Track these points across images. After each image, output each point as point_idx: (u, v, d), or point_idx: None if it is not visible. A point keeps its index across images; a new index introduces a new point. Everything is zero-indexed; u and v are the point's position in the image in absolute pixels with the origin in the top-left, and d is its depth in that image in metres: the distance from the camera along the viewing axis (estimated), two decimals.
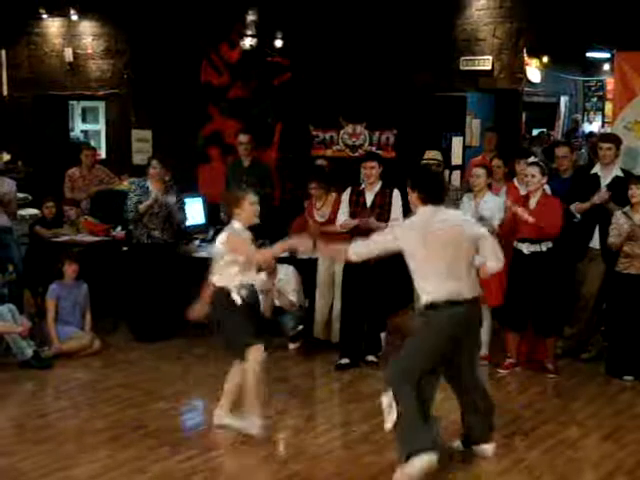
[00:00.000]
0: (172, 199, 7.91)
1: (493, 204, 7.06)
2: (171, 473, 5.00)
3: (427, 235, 4.85)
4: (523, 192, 7.22)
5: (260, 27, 10.48)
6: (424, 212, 4.94)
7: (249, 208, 5.57)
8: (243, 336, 5.43)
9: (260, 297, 7.54)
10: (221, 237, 5.56)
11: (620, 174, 7.22)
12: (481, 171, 7.20)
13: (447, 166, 9.34)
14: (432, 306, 4.86)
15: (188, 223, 8.53)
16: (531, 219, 6.66)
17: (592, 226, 7.18)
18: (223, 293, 5.50)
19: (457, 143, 9.44)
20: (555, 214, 6.76)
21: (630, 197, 6.73)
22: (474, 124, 9.55)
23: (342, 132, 10.03)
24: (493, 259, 4.98)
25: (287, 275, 7.66)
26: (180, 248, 8.26)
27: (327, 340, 7.67)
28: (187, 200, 8.49)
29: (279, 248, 5.68)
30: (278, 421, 5.99)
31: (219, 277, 5.55)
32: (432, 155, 7.99)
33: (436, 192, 4.99)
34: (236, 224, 5.57)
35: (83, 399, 6.53)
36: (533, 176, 6.84)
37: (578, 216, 7.16)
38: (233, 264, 5.49)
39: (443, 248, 4.83)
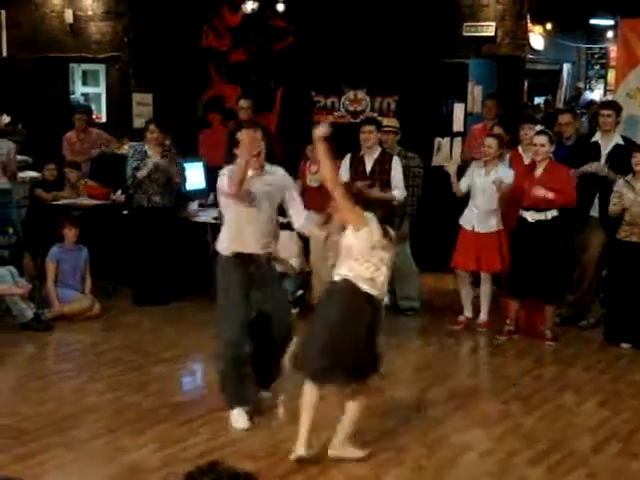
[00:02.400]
0: (168, 163, 7.87)
1: (502, 173, 6.99)
2: (171, 435, 5.04)
3: None
4: (527, 160, 7.19)
5: None
6: None
7: None
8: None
9: None
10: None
11: (621, 142, 7.20)
12: (492, 141, 7.05)
13: (448, 133, 9.33)
14: None
15: (188, 187, 8.52)
16: (550, 195, 6.62)
17: (592, 194, 7.18)
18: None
19: (459, 110, 9.39)
20: (568, 183, 6.73)
21: (634, 165, 6.71)
22: (476, 91, 9.50)
23: (343, 98, 9.97)
24: None
25: (288, 240, 7.67)
26: (180, 212, 8.26)
27: None
28: (188, 165, 8.47)
29: None
30: (276, 385, 6.03)
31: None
32: (388, 122, 7.91)
33: None
34: None
35: (83, 361, 6.58)
36: (542, 145, 6.74)
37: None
38: None
39: None
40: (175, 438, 4.99)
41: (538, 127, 7.45)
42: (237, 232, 5.09)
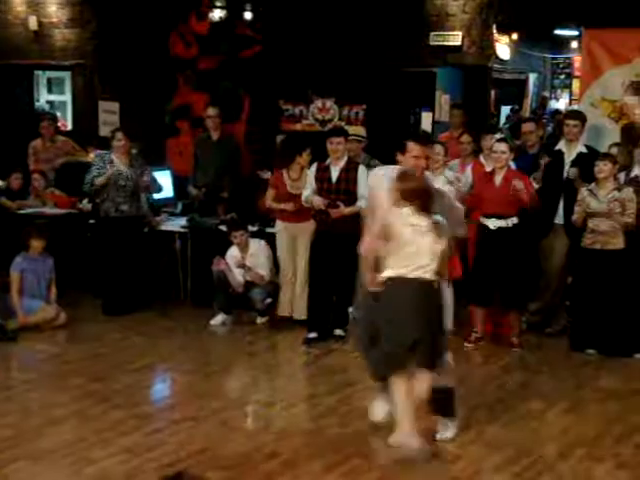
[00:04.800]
0: (136, 171, 7.83)
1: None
2: (137, 446, 5.00)
3: None
4: (488, 168, 7.28)
5: None
6: None
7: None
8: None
9: (235, 272, 7.60)
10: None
11: (584, 150, 7.31)
12: (439, 148, 7.21)
13: None
14: None
15: (156, 196, 8.49)
16: (525, 193, 6.72)
17: (556, 202, 7.27)
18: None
19: (426, 118, 9.46)
20: (529, 187, 6.85)
21: (597, 173, 6.81)
22: (443, 99, 9.57)
23: (312, 106, 10.00)
24: None
25: (258, 249, 7.67)
26: (149, 218, 8.22)
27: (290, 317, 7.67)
28: (155, 173, 8.43)
29: None
30: (247, 394, 6.03)
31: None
32: (354, 131, 8.05)
33: None
34: None
35: (49, 372, 6.51)
36: (503, 152, 6.92)
37: (536, 186, 7.22)
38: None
39: None
40: (142, 448, 4.95)
41: (498, 135, 7.63)
42: None
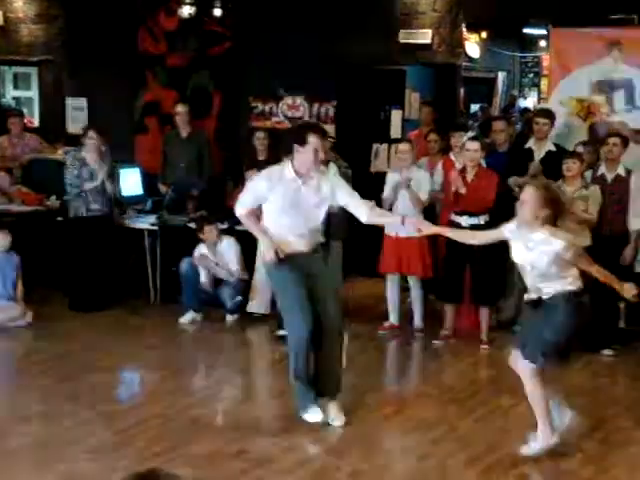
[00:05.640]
0: (106, 171, 7.78)
1: (419, 177, 7.17)
2: (106, 445, 4.97)
3: None
4: (459, 166, 7.31)
5: None
6: None
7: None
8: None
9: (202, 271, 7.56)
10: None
11: (553, 149, 7.38)
12: (407, 146, 7.27)
13: (386, 139, 9.40)
14: None
15: (125, 194, 8.42)
16: (463, 190, 6.79)
17: None
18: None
19: (396, 116, 9.48)
20: (488, 188, 6.89)
21: (565, 170, 6.86)
22: (413, 97, 9.60)
23: (281, 103, 9.98)
24: None
25: (228, 246, 7.63)
26: (116, 219, 8.15)
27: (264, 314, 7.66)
28: (124, 170, 8.38)
29: None
30: (216, 392, 6.01)
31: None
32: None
33: None
34: None
35: (16, 371, 6.45)
36: (476, 150, 6.94)
37: (517, 189, 7.27)
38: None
39: None
40: (111, 448, 4.93)
41: (470, 134, 7.67)
42: None
